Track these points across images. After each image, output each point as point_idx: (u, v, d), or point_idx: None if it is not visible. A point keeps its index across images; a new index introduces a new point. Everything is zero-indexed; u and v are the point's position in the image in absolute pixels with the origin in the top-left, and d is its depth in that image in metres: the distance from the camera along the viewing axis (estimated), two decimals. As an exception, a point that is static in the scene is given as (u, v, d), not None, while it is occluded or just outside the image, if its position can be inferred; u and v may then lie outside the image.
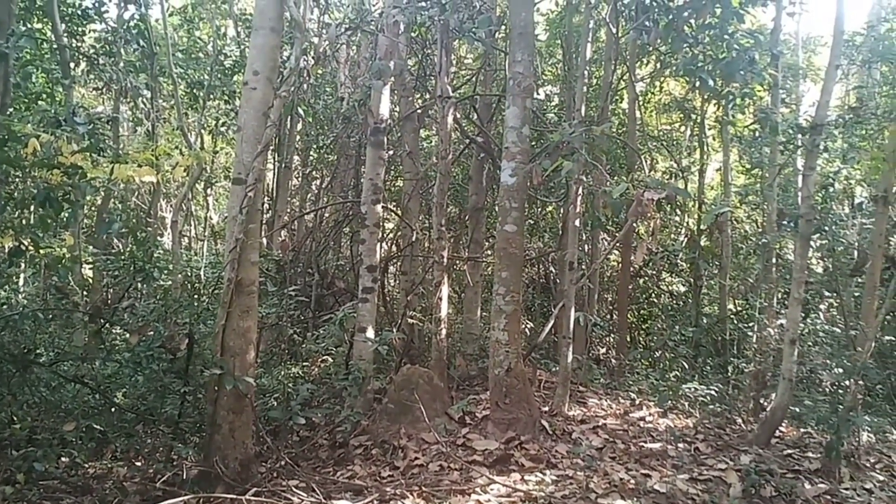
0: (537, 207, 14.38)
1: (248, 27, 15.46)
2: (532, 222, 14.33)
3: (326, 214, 14.51)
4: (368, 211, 9.18)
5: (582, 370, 10.67)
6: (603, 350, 14.32)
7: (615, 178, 10.28)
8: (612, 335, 14.29)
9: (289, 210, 15.24)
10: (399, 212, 12.15)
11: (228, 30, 17.33)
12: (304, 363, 9.50)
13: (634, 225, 10.70)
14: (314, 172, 15.98)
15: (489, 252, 13.40)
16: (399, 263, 12.11)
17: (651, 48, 10.66)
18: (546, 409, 8.44)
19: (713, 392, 9.04)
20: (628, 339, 13.69)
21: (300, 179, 16.01)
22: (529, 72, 8.04)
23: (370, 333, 8.75)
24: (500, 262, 7.78)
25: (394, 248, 12.38)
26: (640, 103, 15.03)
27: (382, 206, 9.58)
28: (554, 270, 14.56)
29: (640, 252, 8.22)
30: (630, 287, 13.91)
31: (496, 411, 7.46)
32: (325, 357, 9.48)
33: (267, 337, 10.77)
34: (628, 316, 14.07)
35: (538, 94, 13.27)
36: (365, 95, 9.57)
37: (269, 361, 10.18)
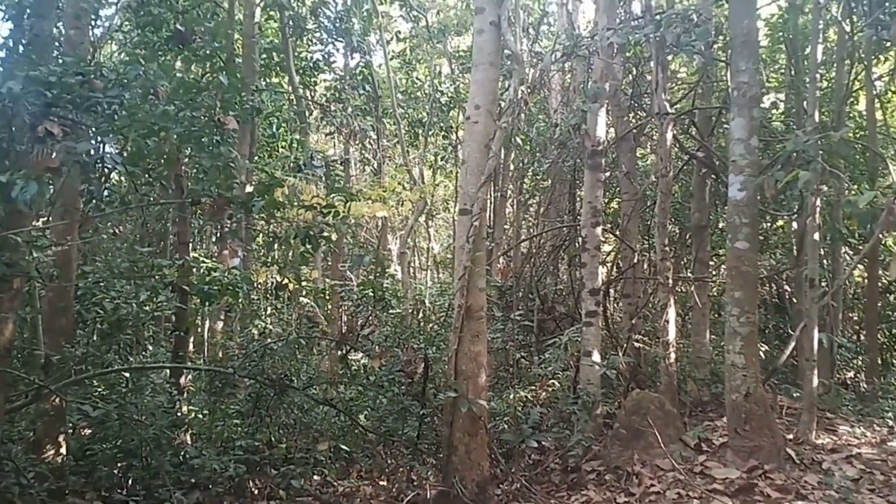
0: (766, 222, 13.55)
1: (462, 64, 16.13)
2: (762, 238, 13.51)
3: (543, 239, 14.63)
4: (588, 234, 9.15)
5: (829, 395, 9.86)
6: (851, 373, 13.12)
7: (857, 186, 9.47)
8: (861, 357, 13.06)
9: (506, 237, 15.56)
10: (618, 233, 11.98)
11: (443, 68, 18.15)
12: (532, 387, 9.62)
13: (881, 236, 9.79)
14: (529, 199, 16.21)
15: (714, 272, 12.82)
16: (620, 286, 11.91)
17: (890, 44, 9.77)
18: (790, 436, 7.88)
19: None
20: (879, 361, 12.45)
21: (515, 206, 16.30)
22: (755, 80, 7.66)
23: (596, 357, 8.67)
24: (733, 281, 7.42)
25: (614, 271, 12.20)
26: (881, 104, 13.75)
27: (602, 229, 9.51)
28: (789, 289, 13.61)
29: (894, 266, 7.49)
30: (879, 304, 12.67)
31: (735, 438, 7.08)
32: (551, 381, 9.53)
33: (493, 361, 11.02)
34: (878, 336, 12.80)
35: (763, 102, 12.56)
36: (580, 119, 9.58)
37: (498, 385, 10.41)
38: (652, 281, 11.15)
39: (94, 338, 7.23)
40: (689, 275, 11.71)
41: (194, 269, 5.84)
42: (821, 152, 7.36)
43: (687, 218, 12.50)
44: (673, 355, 8.74)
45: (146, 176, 5.73)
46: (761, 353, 11.74)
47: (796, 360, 10.50)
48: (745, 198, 7.40)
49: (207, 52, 6.80)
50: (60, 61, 5.31)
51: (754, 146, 7.58)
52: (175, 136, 4.74)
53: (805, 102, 9.77)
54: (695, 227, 11.54)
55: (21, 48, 5.94)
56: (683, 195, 13.20)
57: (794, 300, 12.53)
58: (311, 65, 15.78)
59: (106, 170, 5.50)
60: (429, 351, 7.57)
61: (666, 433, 7.57)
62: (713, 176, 10.96)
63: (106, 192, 6.60)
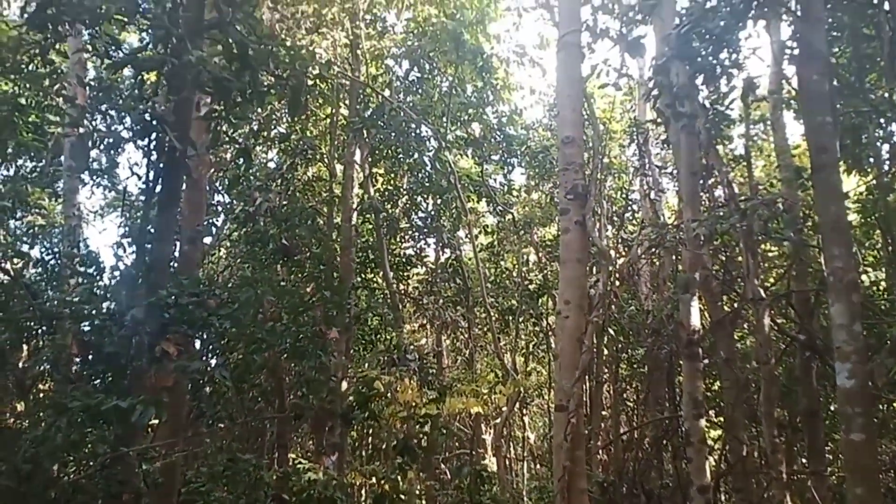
0: (884, 405, 12.75)
1: (548, 252, 16.50)
2: (879, 423, 12.65)
3: (644, 431, 14.12)
4: (692, 427, 8.79)
5: None
6: None
7: (978, 367, 8.90)
8: None
9: (604, 427, 15.11)
10: (722, 421, 11.48)
11: (531, 256, 18.59)
12: None
13: None
14: (626, 386, 15.86)
15: (831, 457, 11.99)
16: (731, 480, 11.23)
17: None
18: None
19: None
20: None
21: (612, 394, 15.93)
22: (850, 265, 7.51)
23: (711, 562, 8.07)
24: (852, 476, 6.90)
25: (723, 463, 11.57)
26: None
27: (706, 421, 9.16)
28: (918, 478, 12.55)
29: None
30: None
31: None
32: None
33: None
34: None
35: (862, 281, 12.24)
36: (672, 307, 9.54)
37: None
38: (764, 474, 10.50)
39: (194, 546, 7.24)
40: (804, 463, 11.00)
41: (293, 478, 5.92)
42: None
43: (796, 403, 11.93)
44: (796, 558, 8.05)
45: (252, 390, 5.99)
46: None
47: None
48: (854, 386, 7.04)
49: (312, 269, 7.29)
50: (177, 281, 5.77)
51: (858, 332, 7.30)
52: (280, 351, 4.99)
53: (907, 281, 9.51)
54: (805, 414, 10.97)
55: (143, 269, 6.49)
56: (789, 379, 12.67)
57: (927, 491, 11.53)
58: (405, 260, 16.52)
59: (214, 384, 5.78)
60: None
61: None
62: (819, 358, 10.54)
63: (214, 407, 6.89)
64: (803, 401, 10.98)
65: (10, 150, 11.28)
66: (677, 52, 8.54)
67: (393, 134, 14.02)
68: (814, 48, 7.21)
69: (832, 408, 12.08)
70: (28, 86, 9.14)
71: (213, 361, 6.53)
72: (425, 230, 16.40)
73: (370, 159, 14.93)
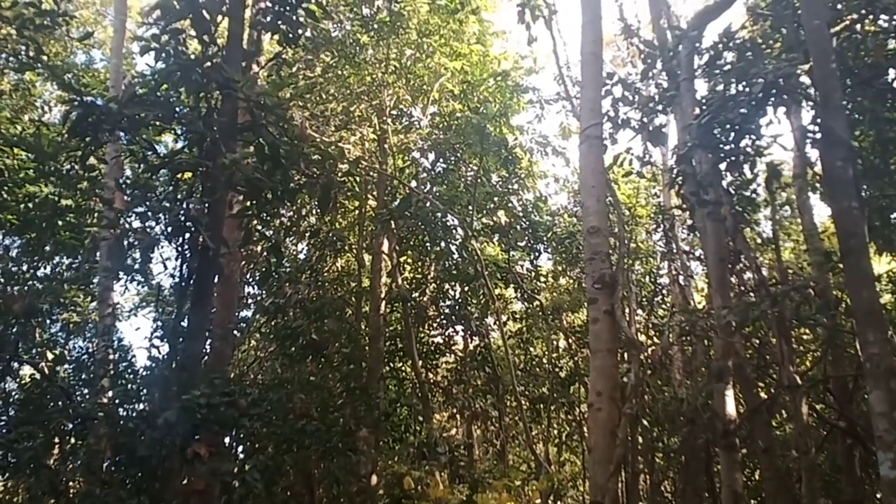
0: (933, 494, 12.23)
1: (578, 339, 16.35)
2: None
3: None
4: (733, 521, 8.52)
5: None
6: None
7: None
8: None
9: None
10: (765, 513, 11.09)
11: (560, 342, 18.40)
12: None
13: None
14: (663, 477, 15.41)
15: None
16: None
17: None
18: None
19: None
20: None
21: (648, 486, 15.49)
22: (886, 350, 7.36)
23: None
24: (905, 574, 6.60)
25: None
26: None
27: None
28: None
29: None
30: None
31: None
32: None
33: None
34: None
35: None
36: (706, 395, 9.37)
37: None
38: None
39: None
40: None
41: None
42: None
43: (840, 492, 11.51)
44: None
45: (283, 491, 5.94)
46: None
47: None
48: (899, 477, 6.80)
49: (341, 365, 7.32)
50: (208, 379, 5.79)
51: (900, 420, 7.11)
52: (310, 450, 4.97)
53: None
54: (850, 504, 10.58)
55: (175, 368, 6.54)
56: (832, 468, 12.27)
57: None
58: (433, 348, 16.42)
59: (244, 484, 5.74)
60: None
61: None
62: (861, 445, 10.23)
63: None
64: (847, 490, 10.60)
65: (48, 248, 11.61)
66: (699, 141, 8.64)
67: (420, 224, 14.22)
68: (836, 135, 7.26)
69: (878, 496, 11.64)
70: (67, 189, 9.47)
71: (241, 455, 6.51)
72: (453, 318, 16.36)
73: (398, 249, 15.10)
